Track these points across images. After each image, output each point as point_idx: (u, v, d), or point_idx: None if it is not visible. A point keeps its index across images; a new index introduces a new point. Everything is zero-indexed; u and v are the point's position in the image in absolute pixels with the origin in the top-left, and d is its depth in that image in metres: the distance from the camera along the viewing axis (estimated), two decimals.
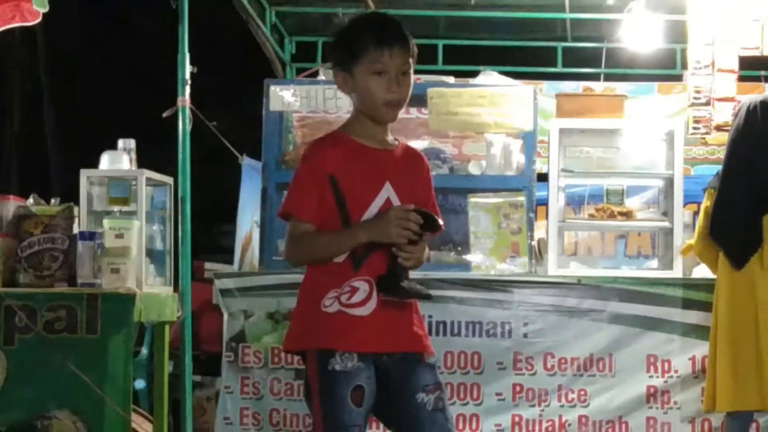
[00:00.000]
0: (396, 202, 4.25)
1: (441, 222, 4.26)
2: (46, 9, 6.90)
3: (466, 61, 11.27)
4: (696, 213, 8.86)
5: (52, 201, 6.73)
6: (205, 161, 10.33)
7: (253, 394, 7.24)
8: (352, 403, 4.19)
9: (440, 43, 11.69)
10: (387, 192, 4.28)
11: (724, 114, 8.73)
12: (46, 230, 6.48)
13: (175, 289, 7.34)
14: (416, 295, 4.29)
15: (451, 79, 8.70)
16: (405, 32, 4.30)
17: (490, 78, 9.07)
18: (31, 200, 6.71)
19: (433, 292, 4.74)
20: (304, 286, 4.36)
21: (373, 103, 4.27)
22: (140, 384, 6.45)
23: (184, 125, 7.30)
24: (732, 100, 8.73)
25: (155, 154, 7.54)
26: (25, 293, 6.34)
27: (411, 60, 4.28)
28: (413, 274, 4.37)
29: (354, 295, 4.21)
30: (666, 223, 8.06)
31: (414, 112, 8.04)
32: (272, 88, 8.24)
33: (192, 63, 7.38)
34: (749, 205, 6.58)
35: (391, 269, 4.19)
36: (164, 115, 7.39)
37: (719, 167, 7.06)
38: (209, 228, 12.81)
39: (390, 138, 4.39)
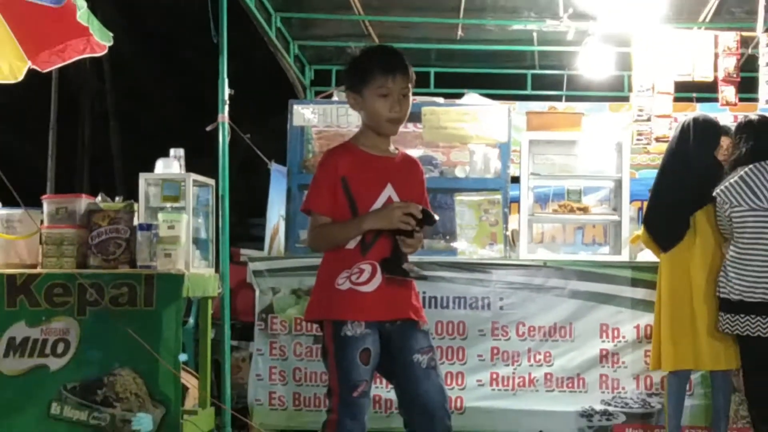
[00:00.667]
0: (396, 200, 4.29)
1: (436, 217, 4.29)
2: (110, 43, 6.88)
3: (453, 85, 11.26)
4: (640, 209, 8.88)
5: (117, 199, 6.71)
6: (240, 166, 10.32)
7: (280, 355, 7.25)
8: (361, 362, 4.22)
9: (432, 70, 11.69)
10: (389, 191, 4.31)
11: (662, 128, 8.72)
12: (111, 222, 6.46)
13: (216, 270, 7.32)
14: (414, 276, 4.32)
15: (440, 100, 8.73)
16: (406, 62, 4.33)
17: (472, 99, 9.06)
18: (99, 198, 6.69)
19: (427, 273, 4.75)
20: (322, 268, 4.38)
21: (379, 120, 4.29)
22: (183, 357, 6.40)
23: (223, 137, 7.30)
24: (668, 116, 8.73)
25: (200, 161, 7.53)
26: (94, 273, 6.33)
27: (410, 84, 4.31)
28: (414, 258, 4.41)
29: (362, 275, 4.25)
30: (615, 217, 8.06)
31: (411, 126, 8.05)
32: (295, 107, 8.28)
33: (230, 87, 7.37)
34: (678, 204, 6.58)
35: (394, 254, 4.23)
36: (208, 128, 7.38)
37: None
38: (244, 221, 12.78)
39: (391, 147, 4.43)
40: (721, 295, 6.32)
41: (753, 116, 6.78)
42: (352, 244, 4.26)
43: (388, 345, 4.32)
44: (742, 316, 6.23)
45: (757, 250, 6.22)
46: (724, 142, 6.68)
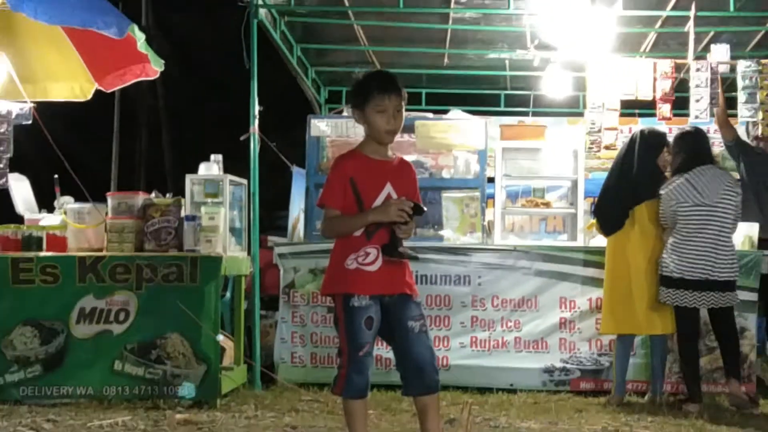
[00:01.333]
0: (394, 196, 4.32)
1: (425, 209, 4.32)
2: (161, 68, 6.90)
3: (440, 103, 11.24)
4: (592, 203, 8.85)
5: (167, 195, 6.72)
6: (268, 169, 10.30)
7: (300, 322, 7.24)
8: (365, 327, 4.25)
9: (423, 91, 11.65)
10: (388, 189, 4.34)
11: (610, 138, 8.67)
12: (163, 215, 6.47)
13: (248, 253, 7.33)
14: (408, 257, 4.35)
15: (430, 115, 8.74)
16: (399, 84, 4.36)
17: (456, 114, 9.09)
18: (153, 195, 6.70)
19: (419, 256, 4.76)
20: (334, 252, 4.39)
21: (378, 132, 4.32)
22: (219, 337, 6.39)
23: (254, 145, 7.30)
24: (615, 129, 8.68)
25: (236, 165, 7.50)
26: (149, 256, 6.34)
27: (403, 102, 4.34)
28: (409, 243, 4.43)
29: (367, 257, 4.27)
30: (572, 210, 8.08)
31: (406, 136, 8.02)
32: (312, 120, 8.28)
33: (259, 104, 7.38)
34: (620, 199, 6.61)
35: (392, 240, 4.27)
36: (241, 138, 7.38)
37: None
38: (271, 213, 12.73)
39: (390, 153, 4.44)
40: (664, 273, 6.35)
41: (688, 129, 6.82)
42: (358, 232, 4.28)
43: (387, 314, 4.34)
44: (681, 290, 6.26)
45: (698, 238, 6.27)
46: (666, 152, 6.69)
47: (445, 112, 9.45)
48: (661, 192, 6.44)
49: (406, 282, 4.39)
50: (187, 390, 3.84)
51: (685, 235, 6.30)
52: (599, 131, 8.79)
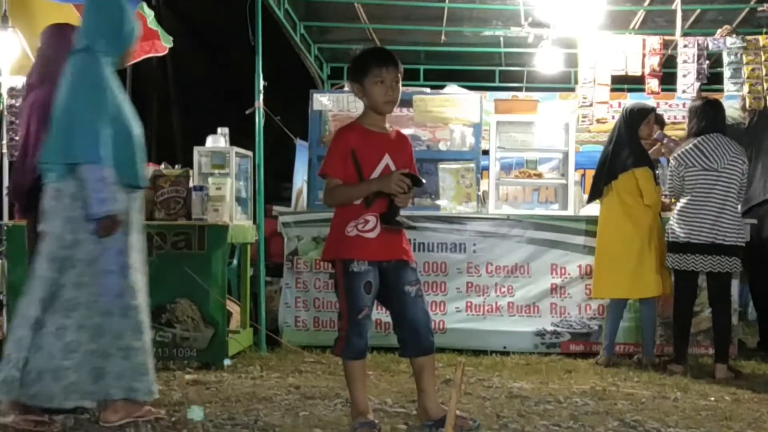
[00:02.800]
0: (392, 167, 4.34)
1: (424, 181, 4.34)
2: (170, 45, 6.88)
3: (437, 79, 11.20)
4: (583, 175, 8.87)
5: (176, 166, 6.72)
6: (274, 142, 10.29)
7: (303, 288, 7.24)
8: (364, 291, 4.28)
9: (421, 67, 11.62)
10: (386, 161, 4.35)
11: (601, 112, 8.67)
12: (172, 185, 6.46)
13: (254, 222, 7.33)
14: (405, 226, 4.36)
15: (428, 90, 8.71)
16: (395, 57, 4.38)
17: (452, 89, 9.04)
18: (162, 166, 6.71)
19: (416, 224, 4.77)
20: (335, 220, 4.40)
21: (377, 103, 4.34)
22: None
23: (259, 119, 7.27)
24: (606, 103, 8.68)
25: (242, 137, 7.49)
26: (159, 224, 6.33)
27: (399, 75, 4.35)
28: (404, 212, 4.43)
29: (366, 224, 4.29)
30: (563, 181, 8.05)
31: (405, 111, 8.02)
32: (315, 95, 8.26)
33: (264, 80, 7.34)
34: (602, 170, 6.63)
35: (390, 209, 4.29)
36: (247, 112, 7.35)
37: (597, 147, 7.05)
38: (276, 184, 12.74)
39: (387, 126, 4.44)
40: (670, 239, 6.36)
41: (707, 98, 6.80)
42: (357, 201, 4.30)
43: (385, 279, 4.37)
44: (688, 255, 6.26)
45: (704, 202, 6.27)
46: (648, 126, 6.68)
47: (442, 87, 9.41)
48: (671, 157, 6.47)
49: (403, 248, 4.41)
50: (196, 413, 3.87)
51: (692, 200, 6.30)
52: (590, 105, 8.79)
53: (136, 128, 4.46)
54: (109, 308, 4.35)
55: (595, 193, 6.69)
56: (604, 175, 6.60)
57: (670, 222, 6.40)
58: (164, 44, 6.83)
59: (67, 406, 4.32)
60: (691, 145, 6.38)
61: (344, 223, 4.32)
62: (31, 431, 4.24)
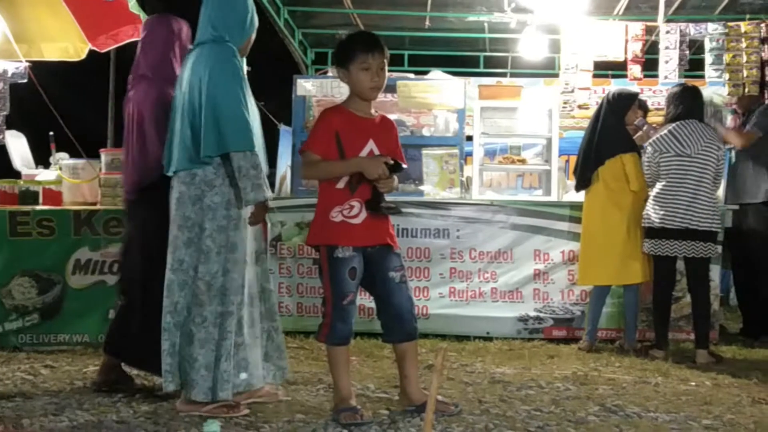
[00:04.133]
0: (376, 151, 4.33)
1: (405, 165, 4.33)
2: None
3: (422, 64, 11.17)
4: (566, 161, 8.86)
5: None
6: None
7: (287, 273, 7.20)
8: (349, 277, 4.28)
9: (405, 53, 11.61)
10: (371, 145, 4.35)
11: (584, 98, 8.68)
12: None
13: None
14: (391, 212, 4.36)
15: (412, 76, 8.68)
16: (382, 43, 4.35)
17: (437, 75, 9.04)
18: None
19: (402, 210, 4.75)
20: (319, 205, 4.40)
21: (363, 88, 4.32)
22: None
23: None
24: (588, 89, 8.68)
25: None
26: None
27: (385, 60, 4.31)
28: (390, 198, 4.44)
29: (352, 210, 4.29)
30: (547, 167, 8.05)
31: (389, 96, 7.98)
32: (299, 81, 8.22)
33: (248, 65, 7.27)
34: (587, 157, 6.62)
35: (374, 195, 4.29)
36: None
37: (580, 133, 7.04)
38: None
39: (372, 111, 4.44)
40: (645, 225, 6.38)
41: (685, 85, 6.82)
42: (341, 184, 4.29)
43: (369, 265, 4.36)
44: (663, 240, 6.28)
45: (679, 187, 6.28)
46: (634, 112, 6.70)
47: (427, 73, 9.40)
48: (646, 144, 6.47)
49: (388, 234, 4.41)
50: (213, 426, 3.88)
51: (667, 185, 6.32)
52: (573, 91, 8.79)
53: (258, 119, 4.58)
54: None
55: (584, 182, 6.64)
56: (593, 161, 6.58)
57: (646, 208, 6.41)
58: None
59: (223, 397, 4.37)
60: (666, 131, 6.41)
61: (329, 208, 4.30)
62: (222, 417, 4.28)
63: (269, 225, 7.26)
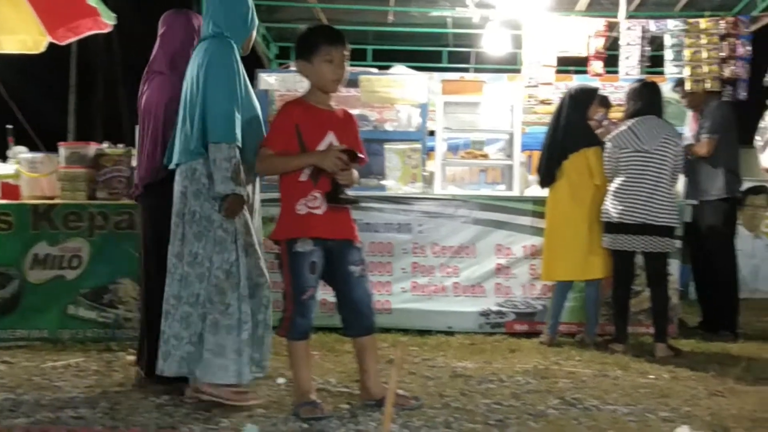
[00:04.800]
0: (336, 143, 4.34)
1: (363, 156, 4.39)
2: (113, 22, 6.76)
3: (385, 59, 11.14)
4: (529, 156, 8.87)
5: (119, 146, 6.61)
6: None
7: None
8: (309, 272, 4.27)
9: (369, 47, 11.59)
10: (330, 137, 4.37)
11: (547, 93, 8.71)
12: (115, 164, 6.36)
13: None
14: (349, 203, 4.36)
15: (375, 71, 8.66)
16: (344, 36, 4.38)
17: (400, 70, 9.00)
18: (105, 145, 6.58)
19: (362, 204, 4.77)
20: (283, 200, 4.42)
21: (325, 81, 4.36)
22: None
23: None
24: (551, 84, 8.71)
25: None
26: (101, 204, 6.25)
27: (347, 53, 4.32)
28: (353, 192, 4.49)
29: (315, 201, 4.30)
30: (510, 162, 8.06)
31: (352, 91, 7.97)
32: (261, 75, 8.21)
33: None
34: (551, 153, 6.65)
35: (334, 187, 4.29)
36: None
37: (543, 128, 7.07)
38: None
39: (333, 104, 4.45)
40: (604, 219, 6.41)
41: (645, 81, 6.87)
42: (304, 177, 4.30)
43: (330, 258, 4.38)
44: (621, 235, 6.32)
45: (637, 183, 6.32)
46: (596, 107, 6.75)
47: (389, 67, 9.39)
48: (606, 140, 6.51)
49: (350, 228, 4.42)
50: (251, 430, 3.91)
51: (625, 181, 6.36)
52: (536, 87, 8.82)
53: (259, 113, 4.63)
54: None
55: (549, 178, 6.66)
56: (557, 157, 6.61)
57: (605, 203, 6.45)
58: (106, 21, 6.69)
59: (244, 381, 4.48)
60: (625, 127, 6.46)
61: (294, 201, 4.32)
62: (236, 403, 4.39)
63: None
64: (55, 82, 19.36)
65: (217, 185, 4.33)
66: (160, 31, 5.11)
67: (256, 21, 4.73)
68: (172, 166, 4.55)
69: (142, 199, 4.97)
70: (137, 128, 5.06)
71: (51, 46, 7.28)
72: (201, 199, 4.44)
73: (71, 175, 6.29)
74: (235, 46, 4.50)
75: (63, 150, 6.39)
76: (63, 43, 7.30)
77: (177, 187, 4.51)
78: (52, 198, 6.41)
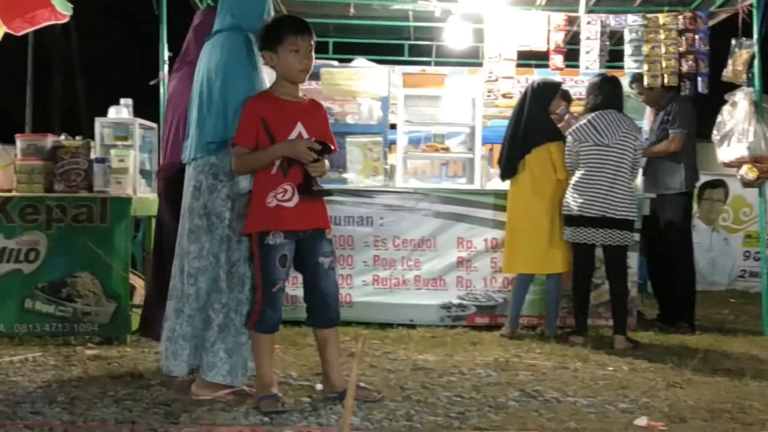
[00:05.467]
0: (305, 134, 4.36)
1: (333, 147, 4.41)
2: (70, 13, 6.65)
3: (346, 52, 11.10)
4: (490, 150, 8.92)
5: (77, 138, 6.53)
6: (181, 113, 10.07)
7: None
8: (279, 265, 4.29)
9: (330, 40, 11.51)
10: (299, 129, 4.37)
11: (507, 87, 8.76)
12: (73, 156, 6.28)
13: None
14: (322, 194, 4.38)
15: (336, 63, 8.65)
16: (309, 26, 4.38)
17: (361, 63, 9.00)
18: (63, 137, 6.50)
19: (332, 191, 4.80)
20: (254, 193, 4.39)
21: (291, 71, 4.35)
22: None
23: (163, 89, 7.13)
24: (512, 78, 8.74)
25: (146, 109, 7.32)
26: (59, 197, 6.15)
27: (313, 43, 4.33)
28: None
29: (285, 194, 4.30)
30: (471, 155, 8.10)
31: (314, 83, 7.96)
32: None
33: (169, 50, 7.19)
34: (513, 146, 6.68)
35: (306, 178, 4.31)
36: (150, 83, 7.21)
37: (504, 122, 7.10)
38: None
39: (301, 94, 4.47)
40: (565, 212, 6.46)
41: (605, 75, 6.93)
42: (274, 170, 4.30)
43: (300, 249, 4.40)
44: (581, 228, 6.38)
45: (596, 176, 6.39)
46: (558, 102, 6.80)
47: (351, 60, 9.38)
48: (566, 133, 6.56)
49: (321, 216, 4.44)
50: None
51: (585, 174, 6.43)
52: (496, 80, 8.85)
53: None
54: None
55: (510, 171, 6.71)
56: (519, 151, 6.65)
57: (566, 196, 6.51)
58: (63, 11, 6.60)
59: (236, 384, 4.49)
60: (585, 121, 6.52)
61: (265, 194, 4.32)
62: (228, 403, 4.39)
63: None
64: (12, 74, 19.12)
65: (239, 182, 4.44)
66: (195, 23, 5.22)
67: (273, 12, 4.73)
68: (187, 161, 4.62)
69: (166, 183, 5.07)
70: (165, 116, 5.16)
71: (7, 36, 7.16)
72: (215, 195, 4.49)
73: (28, 168, 6.21)
74: (252, 39, 4.52)
75: (20, 142, 6.30)
76: (19, 34, 7.18)
77: (190, 182, 4.57)
78: (8, 191, 6.32)
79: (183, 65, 5.12)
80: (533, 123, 6.65)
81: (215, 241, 4.48)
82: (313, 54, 4.37)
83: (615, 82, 6.71)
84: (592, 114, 6.53)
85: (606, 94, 6.59)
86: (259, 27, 4.50)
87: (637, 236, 7.03)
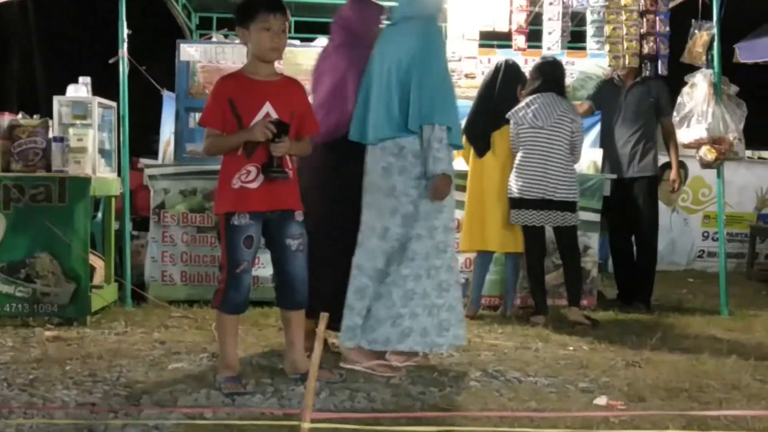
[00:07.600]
0: (273, 114, 4.30)
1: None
2: None
3: (308, 31, 11.04)
4: None
5: (35, 116, 6.44)
6: (142, 93, 10.00)
7: (170, 242, 7.07)
8: (244, 246, 4.26)
9: (291, 20, 11.43)
10: (267, 108, 4.31)
11: (470, 67, 8.70)
12: (30, 135, 6.20)
13: (119, 175, 7.13)
14: (278, 176, 4.30)
15: (298, 43, 8.61)
16: (284, 5, 4.33)
17: (323, 42, 8.93)
18: (20, 116, 6.41)
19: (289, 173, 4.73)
20: (221, 174, 4.37)
21: (262, 49, 4.31)
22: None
23: (123, 68, 7.03)
24: (474, 58, 8.72)
25: (106, 87, 7.22)
26: (17, 176, 6.08)
27: (286, 23, 4.32)
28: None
29: (249, 175, 4.27)
30: None
31: (276, 63, 7.85)
32: (182, 45, 8.08)
33: (129, 28, 7.09)
34: (484, 124, 6.68)
35: (268, 159, 4.26)
36: (110, 61, 7.11)
37: (468, 102, 7.10)
38: (145, 136, 12.36)
39: (274, 73, 4.42)
40: (510, 196, 6.50)
41: (542, 60, 6.94)
42: (239, 151, 4.27)
43: (268, 230, 4.37)
44: (524, 210, 6.42)
45: (533, 159, 6.42)
46: (523, 84, 6.82)
47: (313, 40, 9.33)
48: (507, 115, 6.58)
49: (290, 198, 4.39)
50: None
51: (523, 157, 6.50)
52: (459, 60, 8.83)
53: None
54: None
55: (485, 146, 6.72)
56: (490, 127, 6.66)
57: (510, 179, 6.54)
58: None
59: (401, 349, 4.68)
60: (523, 104, 6.55)
61: (230, 176, 4.29)
62: (382, 376, 4.58)
63: (152, 192, 7.12)
64: None
65: (429, 165, 4.56)
66: (345, 13, 5.29)
67: None
68: (370, 142, 4.72)
69: (323, 153, 4.91)
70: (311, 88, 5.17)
71: None
72: (405, 176, 4.64)
73: None
74: (440, 26, 4.76)
75: None
76: None
77: (378, 162, 4.70)
78: None
79: (337, 47, 5.19)
80: (503, 102, 6.66)
81: (400, 221, 4.63)
82: (286, 33, 4.33)
83: (556, 65, 6.74)
84: (530, 97, 6.56)
85: (546, 77, 6.63)
86: (437, 12, 4.79)
87: (597, 217, 7.08)
